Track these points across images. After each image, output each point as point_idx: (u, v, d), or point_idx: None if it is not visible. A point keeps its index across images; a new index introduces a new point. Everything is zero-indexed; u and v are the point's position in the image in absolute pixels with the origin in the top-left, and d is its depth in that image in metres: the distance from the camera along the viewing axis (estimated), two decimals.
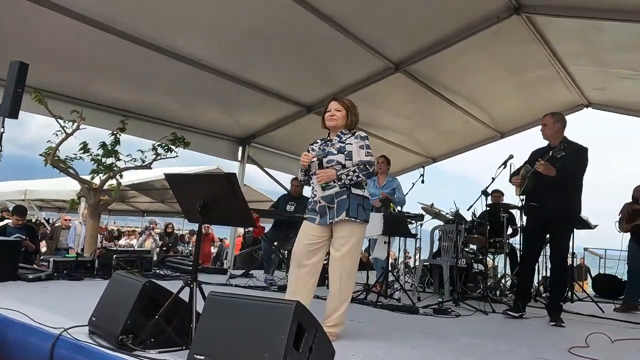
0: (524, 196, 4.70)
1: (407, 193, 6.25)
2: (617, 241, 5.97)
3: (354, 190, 3.12)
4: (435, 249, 6.54)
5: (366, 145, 3.18)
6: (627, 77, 6.44)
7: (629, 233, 5.58)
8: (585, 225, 5.95)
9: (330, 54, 6.05)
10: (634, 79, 6.41)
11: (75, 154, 6.32)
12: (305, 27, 5.33)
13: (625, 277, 5.92)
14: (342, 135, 3.24)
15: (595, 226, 6.08)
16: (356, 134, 3.23)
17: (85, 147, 6.32)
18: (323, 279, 3.90)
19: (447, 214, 6.00)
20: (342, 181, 3.09)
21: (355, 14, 5.29)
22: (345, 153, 3.14)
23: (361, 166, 3.12)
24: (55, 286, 4.49)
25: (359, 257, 3.28)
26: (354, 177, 3.10)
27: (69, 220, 10.10)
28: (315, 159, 3.19)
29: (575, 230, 5.75)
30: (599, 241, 8.59)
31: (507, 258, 6.58)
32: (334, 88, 6.87)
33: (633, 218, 5.39)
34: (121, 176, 6.66)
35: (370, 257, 6.30)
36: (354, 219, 3.07)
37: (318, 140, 3.36)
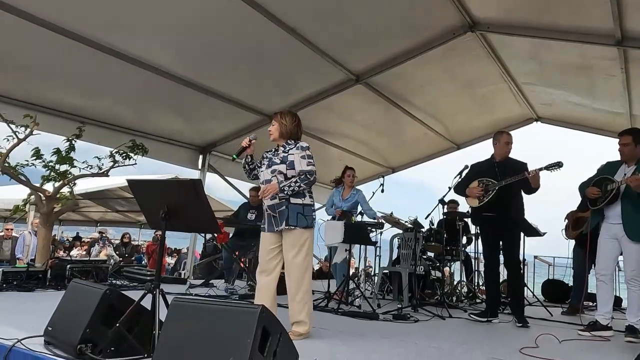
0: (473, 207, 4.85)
1: (368, 201, 6.36)
2: (564, 249, 6.27)
3: (293, 200, 3.35)
4: (394, 256, 6.67)
5: (307, 156, 3.43)
6: (571, 92, 6.86)
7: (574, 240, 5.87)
8: (535, 232, 6.22)
9: (293, 64, 6.12)
10: (577, 94, 6.83)
11: (27, 161, 6.07)
12: (267, 37, 5.37)
13: (572, 283, 6.21)
14: (287, 146, 3.48)
15: (544, 233, 6.36)
16: (298, 145, 3.46)
17: (37, 153, 6.08)
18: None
19: (406, 222, 6.13)
20: (285, 192, 3.30)
21: (318, 26, 5.39)
22: (287, 163, 3.38)
23: (302, 176, 3.35)
24: (4, 297, 4.31)
25: (311, 258, 3.49)
26: (295, 187, 3.33)
27: (11, 230, 9.64)
28: (253, 140, 3.49)
29: (526, 238, 6.04)
30: (547, 250, 9.07)
31: (463, 265, 6.80)
32: (296, 98, 6.95)
33: (578, 225, 5.67)
34: (74, 184, 6.44)
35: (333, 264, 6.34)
36: (293, 227, 3.30)
37: (272, 149, 3.59)
